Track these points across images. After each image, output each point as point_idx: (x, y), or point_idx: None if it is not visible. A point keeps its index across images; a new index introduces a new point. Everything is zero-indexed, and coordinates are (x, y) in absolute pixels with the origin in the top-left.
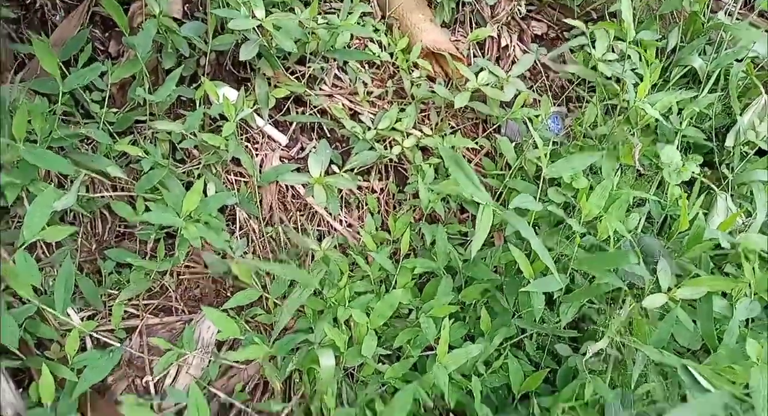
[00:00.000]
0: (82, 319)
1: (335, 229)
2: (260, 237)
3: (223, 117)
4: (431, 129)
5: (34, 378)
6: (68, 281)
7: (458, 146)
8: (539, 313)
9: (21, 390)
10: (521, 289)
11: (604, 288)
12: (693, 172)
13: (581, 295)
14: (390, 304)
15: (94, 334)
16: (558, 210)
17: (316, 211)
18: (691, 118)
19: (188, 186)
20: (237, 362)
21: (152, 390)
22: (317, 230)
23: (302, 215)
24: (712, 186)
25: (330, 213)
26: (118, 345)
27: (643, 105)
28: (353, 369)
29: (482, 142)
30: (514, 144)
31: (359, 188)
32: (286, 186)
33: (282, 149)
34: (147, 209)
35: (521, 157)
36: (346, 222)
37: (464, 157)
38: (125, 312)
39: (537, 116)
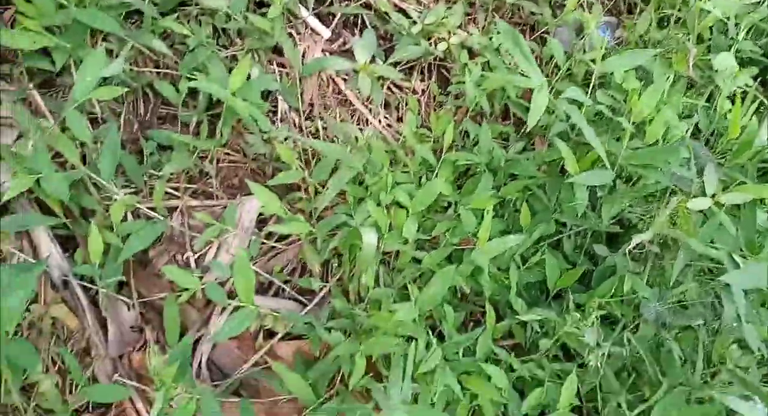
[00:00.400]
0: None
1: (374, 127)
2: (299, 131)
3: (267, 4)
4: (478, 31)
5: (79, 244)
6: (114, 150)
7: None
8: (582, 208)
9: (67, 254)
10: (567, 181)
11: (650, 188)
12: (746, 84)
13: (625, 195)
14: (432, 192)
15: (138, 206)
16: (607, 110)
17: (355, 109)
18: (747, 32)
19: (230, 72)
20: (277, 242)
21: (193, 266)
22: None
23: (341, 111)
24: (765, 100)
25: (370, 110)
26: (162, 218)
27: (705, 4)
28: (390, 258)
29: (530, 46)
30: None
31: (399, 88)
32: (327, 80)
33: (324, 42)
34: (190, 90)
35: (571, 59)
36: (385, 121)
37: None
38: (165, 193)
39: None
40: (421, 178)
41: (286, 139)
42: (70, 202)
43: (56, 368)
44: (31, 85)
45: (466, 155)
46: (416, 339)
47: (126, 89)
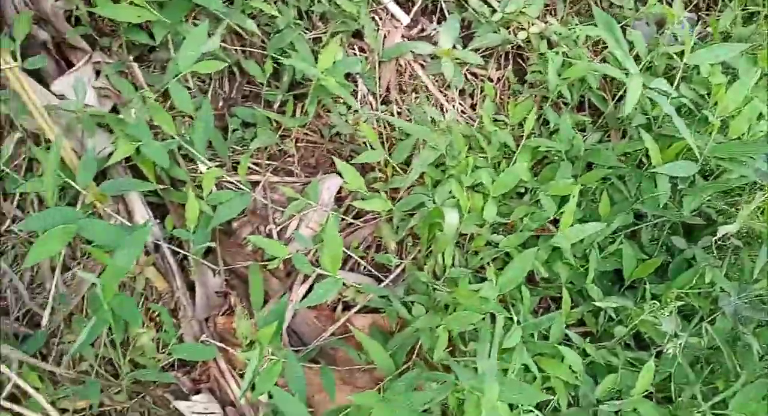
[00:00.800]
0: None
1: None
2: (374, 116)
3: None
4: (557, 21)
5: (169, 211)
6: (208, 123)
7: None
8: (665, 199)
9: (157, 221)
10: (652, 171)
11: (734, 182)
12: None
13: (707, 188)
14: (514, 175)
15: (228, 177)
16: (691, 103)
17: (431, 94)
18: None
19: (314, 54)
20: (354, 219)
21: (275, 238)
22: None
23: (417, 97)
24: None
25: (446, 97)
26: (247, 190)
27: None
28: (464, 241)
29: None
30: None
31: (474, 75)
32: (405, 65)
33: (403, 28)
34: (274, 70)
35: (653, 52)
36: (460, 108)
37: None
38: (248, 168)
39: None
40: (497, 164)
41: (366, 121)
42: (162, 172)
43: (144, 327)
44: (130, 58)
45: (547, 142)
46: (496, 317)
47: (225, 64)
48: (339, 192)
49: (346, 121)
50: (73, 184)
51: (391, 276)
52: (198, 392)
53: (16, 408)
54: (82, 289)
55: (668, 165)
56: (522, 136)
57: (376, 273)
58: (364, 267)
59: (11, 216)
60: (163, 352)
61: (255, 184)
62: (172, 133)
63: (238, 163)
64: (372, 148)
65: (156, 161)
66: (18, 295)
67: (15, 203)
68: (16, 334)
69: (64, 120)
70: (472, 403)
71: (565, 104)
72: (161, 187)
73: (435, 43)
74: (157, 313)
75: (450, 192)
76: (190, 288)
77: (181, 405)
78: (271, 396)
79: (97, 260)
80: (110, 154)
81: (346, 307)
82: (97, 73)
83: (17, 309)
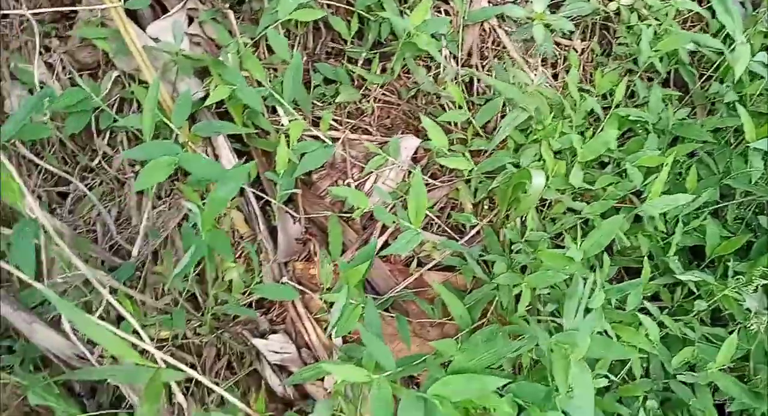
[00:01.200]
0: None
1: (532, 81)
2: (456, 78)
3: None
4: None
5: (253, 157)
6: (297, 74)
7: (682, 8)
8: (757, 175)
9: None
10: (745, 146)
11: None
12: None
13: None
14: (603, 142)
15: (311, 129)
16: None
17: (514, 60)
18: None
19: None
20: (433, 179)
21: None
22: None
23: (499, 63)
24: None
25: (528, 64)
26: (330, 142)
27: None
28: (542, 207)
29: (702, 13)
30: None
31: (558, 45)
32: (489, 30)
33: None
34: (359, 29)
35: (750, 30)
36: (543, 77)
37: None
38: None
39: None
40: (582, 132)
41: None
42: (247, 120)
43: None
44: (226, 5)
45: (636, 111)
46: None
47: (323, 14)
48: (415, 153)
49: (431, 79)
50: (168, 122)
51: (467, 237)
52: (274, 332)
53: (109, 326)
54: (170, 225)
55: (763, 140)
56: (607, 107)
57: (451, 232)
58: (439, 227)
59: (101, 152)
60: (243, 293)
61: (334, 140)
62: (263, 81)
63: (318, 118)
64: (459, 107)
65: (250, 105)
66: (106, 229)
67: (106, 140)
68: (103, 262)
69: (159, 62)
70: (559, 356)
71: (654, 78)
72: (252, 130)
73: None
74: (239, 254)
75: (536, 155)
76: (271, 233)
77: (258, 342)
78: (345, 341)
79: (183, 198)
80: (200, 99)
81: (419, 264)
82: (190, 20)
83: (105, 242)
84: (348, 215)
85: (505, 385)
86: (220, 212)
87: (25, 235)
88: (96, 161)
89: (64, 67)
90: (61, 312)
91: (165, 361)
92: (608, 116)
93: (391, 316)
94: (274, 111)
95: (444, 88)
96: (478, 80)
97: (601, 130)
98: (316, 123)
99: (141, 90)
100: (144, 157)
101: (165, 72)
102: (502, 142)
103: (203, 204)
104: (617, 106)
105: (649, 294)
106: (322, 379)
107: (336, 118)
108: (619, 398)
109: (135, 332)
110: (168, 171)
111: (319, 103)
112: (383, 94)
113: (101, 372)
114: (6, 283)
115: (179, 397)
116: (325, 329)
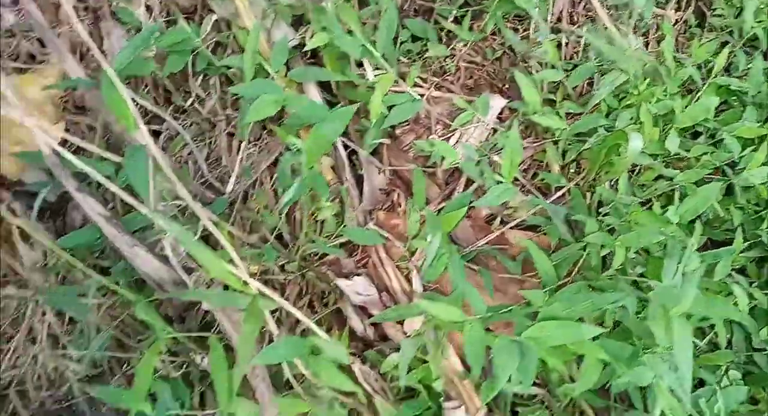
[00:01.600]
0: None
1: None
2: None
3: None
4: None
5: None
6: (391, 25)
7: None
8: None
9: None
10: None
11: None
12: None
13: None
14: (703, 109)
15: (401, 81)
16: None
17: (605, 27)
18: None
19: None
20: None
21: None
22: None
23: (589, 29)
24: None
25: (619, 31)
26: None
27: None
28: (631, 173)
29: None
30: None
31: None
32: None
33: None
34: None
35: None
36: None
37: None
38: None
39: None
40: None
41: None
42: (337, 72)
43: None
44: None
45: (736, 81)
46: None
47: None
48: (500, 113)
49: (522, 38)
50: (266, 65)
51: (552, 198)
52: (357, 275)
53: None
54: (260, 167)
55: None
56: (702, 78)
57: (535, 193)
58: (523, 187)
59: (194, 94)
60: (329, 236)
61: (420, 95)
62: (358, 32)
63: (402, 75)
64: (552, 67)
65: (348, 52)
66: (197, 168)
67: (199, 82)
68: (196, 196)
69: (257, 9)
70: (661, 311)
71: (751, 52)
72: (346, 78)
73: None
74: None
75: (631, 118)
76: (357, 182)
77: (342, 282)
78: (424, 289)
79: (276, 141)
80: (293, 47)
81: (502, 222)
82: None
83: (196, 180)
84: (431, 168)
85: (596, 338)
86: (325, 150)
87: (137, 159)
88: (189, 102)
89: (161, 11)
90: (169, 234)
91: (259, 290)
92: (706, 85)
93: (473, 269)
94: (359, 65)
95: (537, 48)
96: (566, 44)
97: (697, 99)
98: (398, 81)
99: (242, 32)
100: (249, 93)
101: (262, 19)
102: (594, 106)
103: None
104: (715, 76)
105: (737, 267)
106: (402, 323)
107: (421, 75)
108: (699, 367)
109: (230, 261)
110: (275, 107)
111: (404, 60)
112: (468, 53)
113: (200, 294)
114: (109, 208)
115: (271, 325)
116: (407, 276)
